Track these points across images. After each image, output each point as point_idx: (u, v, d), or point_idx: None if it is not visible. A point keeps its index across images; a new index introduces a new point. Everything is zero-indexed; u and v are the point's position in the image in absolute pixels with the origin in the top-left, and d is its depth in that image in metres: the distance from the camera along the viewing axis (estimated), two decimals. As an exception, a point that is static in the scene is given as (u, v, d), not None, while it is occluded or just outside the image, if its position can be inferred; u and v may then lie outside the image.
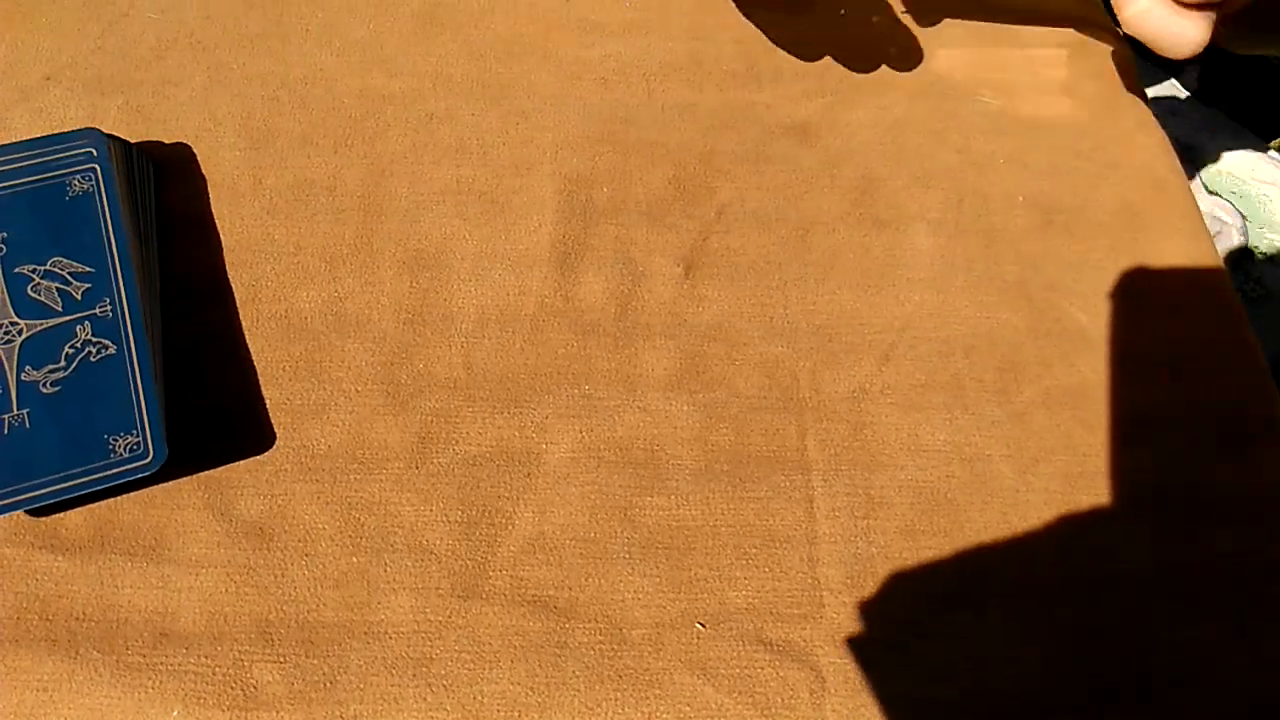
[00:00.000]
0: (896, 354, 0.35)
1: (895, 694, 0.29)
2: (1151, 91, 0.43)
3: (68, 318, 0.32)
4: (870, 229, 0.39)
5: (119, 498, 0.31)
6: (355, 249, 0.36)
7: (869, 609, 0.30)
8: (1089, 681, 0.30)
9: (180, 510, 0.31)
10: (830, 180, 0.40)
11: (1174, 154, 0.41)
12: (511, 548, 0.31)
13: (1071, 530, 0.32)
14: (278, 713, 0.28)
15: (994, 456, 0.34)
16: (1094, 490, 0.33)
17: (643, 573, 0.31)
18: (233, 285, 0.35)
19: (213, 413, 0.33)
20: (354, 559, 0.30)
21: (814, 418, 0.34)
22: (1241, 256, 0.95)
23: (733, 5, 0.42)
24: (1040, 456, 0.34)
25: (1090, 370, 0.36)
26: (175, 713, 0.28)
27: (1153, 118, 0.43)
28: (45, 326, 0.32)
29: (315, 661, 0.29)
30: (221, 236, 0.37)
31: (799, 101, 0.42)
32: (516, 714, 0.28)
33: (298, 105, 0.39)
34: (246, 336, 0.34)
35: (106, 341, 0.32)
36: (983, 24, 0.46)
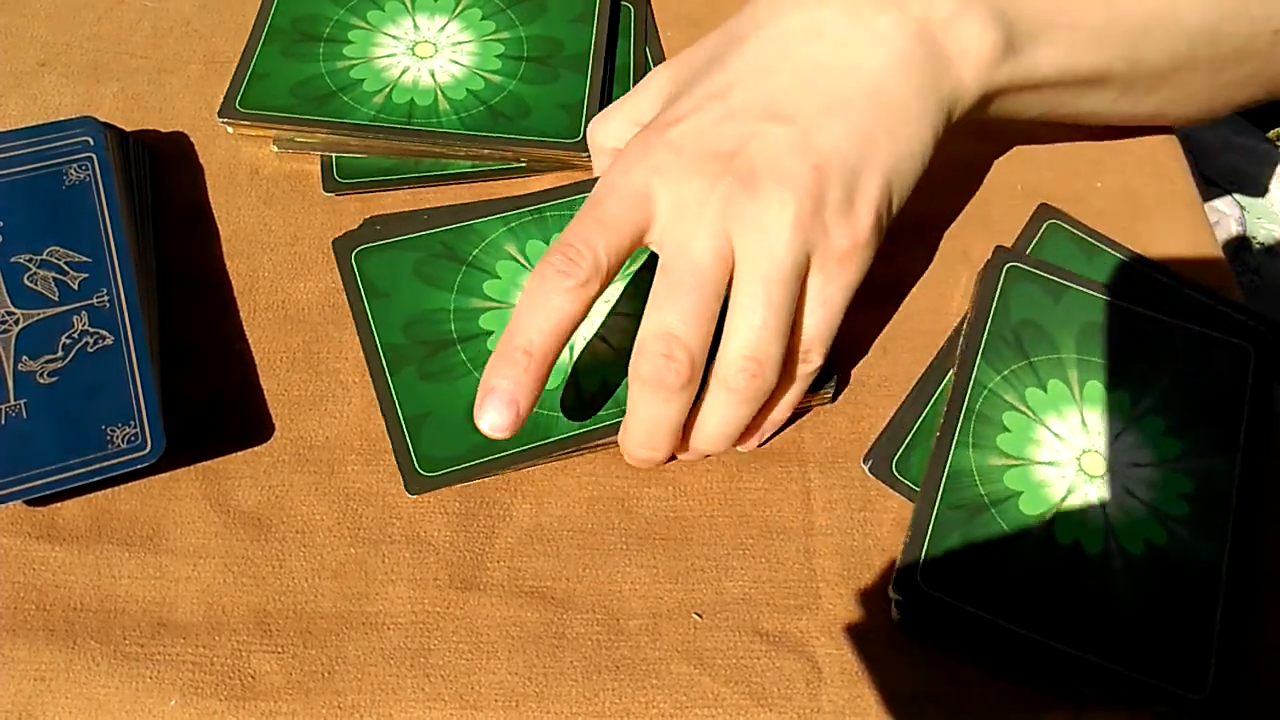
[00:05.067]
0: (894, 346, 0.35)
1: (891, 686, 0.29)
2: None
3: (64, 308, 0.32)
4: (869, 220, 0.38)
5: (116, 488, 0.31)
6: (352, 239, 0.36)
7: (865, 601, 0.30)
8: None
9: (178, 501, 0.31)
10: (829, 171, 0.39)
11: (1176, 141, 0.41)
12: (509, 539, 0.31)
13: (1068, 522, 0.32)
14: (275, 702, 0.28)
15: (991, 448, 0.34)
16: (1091, 482, 0.33)
17: (640, 563, 0.31)
18: (230, 276, 0.35)
19: (210, 403, 0.33)
20: (352, 550, 0.30)
21: (811, 409, 0.34)
22: (1239, 247, 0.94)
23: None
24: (1037, 448, 0.34)
25: (1088, 362, 0.36)
26: (173, 702, 0.28)
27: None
28: (42, 316, 0.32)
29: (313, 652, 0.29)
30: (219, 227, 0.36)
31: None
32: (514, 704, 0.28)
33: (294, 94, 0.39)
34: (244, 327, 0.34)
35: (104, 332, 0.31)
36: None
